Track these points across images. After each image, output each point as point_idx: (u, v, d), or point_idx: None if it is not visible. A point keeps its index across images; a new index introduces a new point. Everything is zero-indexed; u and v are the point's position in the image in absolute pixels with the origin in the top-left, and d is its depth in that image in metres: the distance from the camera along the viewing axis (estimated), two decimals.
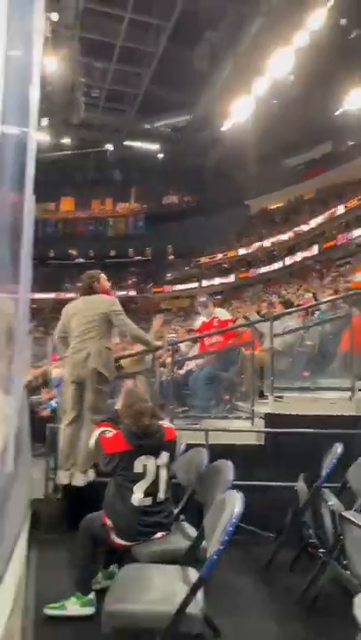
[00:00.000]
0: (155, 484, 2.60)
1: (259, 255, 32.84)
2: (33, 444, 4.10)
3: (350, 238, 25.28)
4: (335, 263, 24.79)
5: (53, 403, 6.02)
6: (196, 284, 34.51)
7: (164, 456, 2.67)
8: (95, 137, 33.17)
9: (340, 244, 26.05)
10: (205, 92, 27.85)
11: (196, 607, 1.77)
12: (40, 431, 4.32)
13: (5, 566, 1.25)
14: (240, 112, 27.56)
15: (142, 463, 2.59)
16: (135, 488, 2.56)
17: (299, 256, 29.03)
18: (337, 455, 3.12)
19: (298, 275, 27.84)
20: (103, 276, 4.00)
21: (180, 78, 26.26)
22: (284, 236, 31.23)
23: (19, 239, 2.34)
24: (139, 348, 4.98)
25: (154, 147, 34.56)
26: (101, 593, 2.36)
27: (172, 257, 39.19)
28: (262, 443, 4.32)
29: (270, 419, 4.42)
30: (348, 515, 2.24)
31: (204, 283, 34.35)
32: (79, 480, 3.59)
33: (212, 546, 1.77)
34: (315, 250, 27.79)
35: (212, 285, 33.62)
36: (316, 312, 7.07)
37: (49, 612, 2.64)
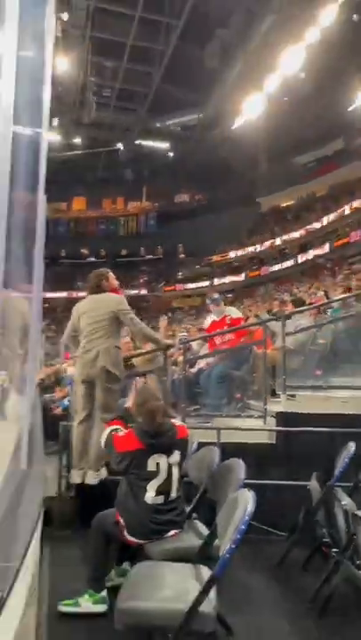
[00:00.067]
0: (167, 482, 2.61)
1: (270, 253, 32.68)
2: (46, 442, 4.13)
3: None
4: (347, 261, 24.56)
5: (66, 401, 6.06)
6: (207, 283, 34.45)
7: (177, 454, 2.67)
8: (106, 136, 33.27)
9: (353, 241, 25.79)
10: (216, 89, 27.76)
11: (209, 605, 1.77)
12: (53, 429, 4.36)
13: (20, 563, 1.26)
14: (251, 110, 27.44)
15: (155, 461, 2.60)
16: (148, 486, 2.56)
17: (310, 254, 28.82)
18: (350, 454, 3.10)
19: (309, 273, 27.64)
20: (111, 274, 3.98)
21: (191, 77, 26.20)
22: (296, 234, 31.03)
23: (32, 239, 2.36)
24: (149, 346, 4.99)
25: (165, 145, 34.55)
26: (114, 590, 2.37)
27: (183, 255, 39.18)
28: (274, 441, 4.31)
29: (282, 417, 4.40)
30: None
31: (216, 281, 34.27)
32: (92, 478, 3.61)
33: (225, 544, 1.77)
34: (326, 248, 27.57)
35: (224, 284, 33.53)
36: (329, 310, 7.02)
37: (63, 608, 2.66)
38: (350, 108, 27.79)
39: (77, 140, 32.92)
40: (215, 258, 36.25)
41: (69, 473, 3.88)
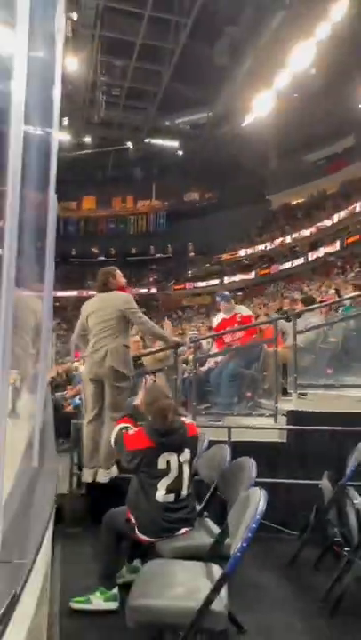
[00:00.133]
0: (178, 480, 2.61)
1: (280, 251, 32.53)
2: (57, 440, 4.16)
3: None
4: (358, 258, 24.37)
5: (77, 399, 6.10)
6: (217, 281, 34.40)
7: (187, 452, 2.68)
8: (116, 135, 33.35)
9: None
10: (225, 87, 27.68)
11: (221, 604, 1.77)
12: (65, 427, 4.39)
13: (33, 560, 1.27)
14: (261, 107, 27.31)
15: (165, 460, 2.60)
16: (159, 485, 2.57)
17: (321, 251, 28.63)
18: None
19: (320, 271, 27.48)
20: (118, 272, 3.96)
21: (200, 75, 26.15)
22: (306, 232, 30.86)
23: (43, 238, 2.38)
24: (158, 345, 5.00)
25: (174, 144, 34.54)
26: (125, 587, 2.38)
27: (192, 254, 39.16)
28: (285, 440, 4.29)
29: (293, 416, 4.38)
30: None
31: (226, 279, 34.21)
32: (103, 477, 3.63)
33: (236, 542, 1.77)
34: (337, 245, 27.38)
35: (234, 282, 33.46)
36: (340, 308, 6.97)
37: (74, 605, 2.68)
38: None
39: (87, 140, 33.04)
40: (225, 256, 36.17)
41: (81, 471, 3.90)
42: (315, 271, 28.19)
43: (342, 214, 28.04)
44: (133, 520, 2.60)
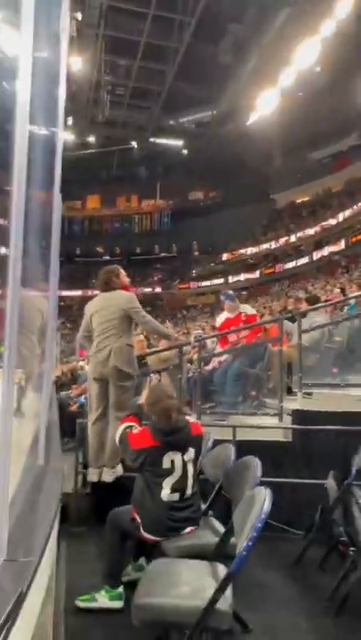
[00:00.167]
0: (182, 479, 2.61)
1: (285, 250, 32.46)
2: (62, 440, 4.17)
3: None
4: None
5: (82, 398, 6.11)
6: (221, 280, 34.39)
7: (191, 451, 2.67)
8: (120, 134, 33.41)
9: None
10: (230, 85, 27.65)
11: (226, 603, 1.78)
12: (70, 426, 4.39)
13: (39, 558, 1.27)
14: (265, 105, 27.27)
15: (170, 459, 2.60)
16: (163, 484, 2.57)
17: (326, 250, 28.54)
18: None
19: (325, 270, 27.40)
20: (122, 271, 3.95)
21: (204, 73, 26.13)
22: (311, 231, 30.78)
23: (48, 238, 2.39)
24: (164, 344, 5.00)
25: (178, 143, 34.55)
26: (131, 585, 2.39)
27: (197, 253, 39.16)
28: (290, 439, 4.28)
29: (298, 415, 4.37)
30: None
31: (230, 278, 34.18)
32: (108, 476, 3.64)
33: (242, 542, 1.77)
34: (342, 244, 27.29)
35: (238, 281, 33.44)
36: (345, 307, 6.95)
37: (80, 603, 2.68)
38: None
39: (91, 139, 33.12)
40: (229, 255, 36.14)
41: (86, 470, 3.91)
42: (320, 270, 28.11)
43: (347, 213, 27.97)
44: (138, 519, 2.60)
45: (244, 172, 34.86)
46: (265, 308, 13.89)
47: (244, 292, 29.18)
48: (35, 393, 3.52)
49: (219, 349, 5.70)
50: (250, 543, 1.70)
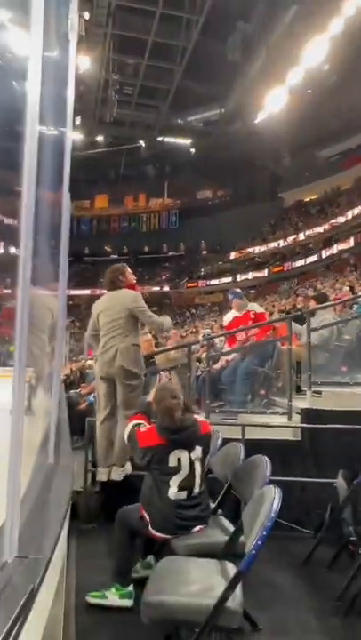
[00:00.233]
0: (189, 477, 2.61)
1: (294, 248, 32.33)
2: (72, 438, 4.19)
3: None
4: None
5: (91, 397, 6.13)
6: (229, 279, 34.32)
7: (198, 450, 2.67)
8: (128, 133, 33.45)
9: None
10: (238, 84, 27.57)
11: (235, 601, 1.78)
12: (79, 425, 4.42)
13: (50, 555, 1.29)
14: (273, 103, 27.15)
15: (176, 457, 2.60)
16: (171, 482, 2.58)
17: (335, 248, 28.38)
18: None
19: (334, 268, 27.25)
20: (128, 269, 3.93)
21: (213, 72, 26.09)
22: (320, 229, 30.62)
23: (57, 237, 2.40)
24: (172, 343, 5.01)
25: (186, 141, 34.52)
26: (140, 583, 2.40)
27: (205, 252, 39.12)
28: (299, 438, 4.27)
29: (307, 414, 4.36)
30: None
31: (238, 277, 34.10)
32: (117, 474, 3.65)
33: (251, 540, 1.77)
34: (351, 242, 27.12)
35: (246, 280, 33.35)
36: (355, 305, 6.91)
37: (90, 600, 2.70)
38: None
39: (99, 138, 33.19)
40: (237, 254, 36.06)
41: (95, 468, 3.93)
42: (328, 268, 27.97)
43: (356, 211, 27.78)
44: (147, 517, 2.61)
45: (253, 171, 34.78)
46: (273, 306, 13.85)
47: (252, 291, 29.10)
48: (45, 392, 3.54)
49: (227, 348, 5.70)
50: (259, 542, 1.70)
